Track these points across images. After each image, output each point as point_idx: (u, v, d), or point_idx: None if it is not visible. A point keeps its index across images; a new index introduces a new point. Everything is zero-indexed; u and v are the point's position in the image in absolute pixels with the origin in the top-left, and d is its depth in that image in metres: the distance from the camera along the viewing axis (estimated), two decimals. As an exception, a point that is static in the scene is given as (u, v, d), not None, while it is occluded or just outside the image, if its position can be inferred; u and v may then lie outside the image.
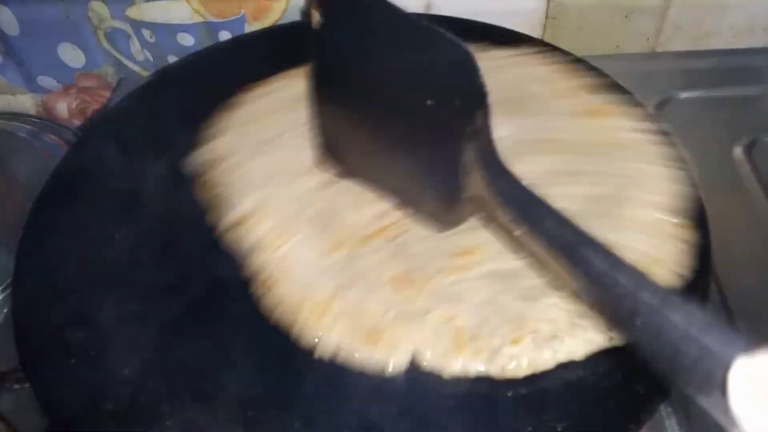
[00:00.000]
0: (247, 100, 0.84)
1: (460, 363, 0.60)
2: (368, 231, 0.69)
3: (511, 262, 0.66)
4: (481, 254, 0.68)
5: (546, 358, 0.60)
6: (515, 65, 0.85)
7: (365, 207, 0.71)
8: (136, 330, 0.65)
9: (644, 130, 0.76)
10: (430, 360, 0.60)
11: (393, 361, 0.60)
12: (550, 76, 0.82)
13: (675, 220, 0.69)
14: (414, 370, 0.59)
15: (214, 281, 0.68)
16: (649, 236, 0.67)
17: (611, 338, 0.60)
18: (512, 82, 0.81)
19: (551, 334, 0.61)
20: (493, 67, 0.73)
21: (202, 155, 0.79)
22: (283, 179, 0.74)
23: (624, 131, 0.76)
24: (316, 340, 0.61)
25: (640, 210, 0.69)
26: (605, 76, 0.81)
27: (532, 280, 0.64)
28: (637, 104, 0.78)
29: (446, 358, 0.60)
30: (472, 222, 0.68)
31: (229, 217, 0.72)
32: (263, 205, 0.72)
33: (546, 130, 0.76)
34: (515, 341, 0.60)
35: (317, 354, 0.60)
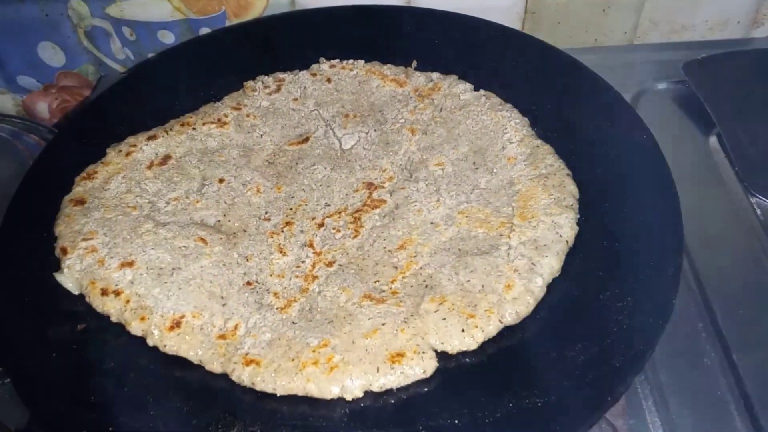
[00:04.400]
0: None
1: (481, 332, 0.62)
2: (303, 273, 0.68)
3: (442, 232, 0.71)
4: (415, 237, 0.71)
5: (540, 285, 0.65)
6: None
7: (278, 262, 0.70)
8: (118, 323, 0.65)
9: (472, 89, 0.86)
10: (456, 345, 0.61)
11: (424, 366, 0.60)
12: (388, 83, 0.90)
13: (537, 142, 0.78)
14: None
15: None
16: (529, 163, 0.76)
17: (568, 242, 0.68)
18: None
19: (529, 265, 0.66)
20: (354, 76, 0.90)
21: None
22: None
23: (457, 96, 0.86)
24: (339, 389, 0.59)
25: (506, 149, 0.78)
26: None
27: (473, 238, 0.70)
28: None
29: (467, 334, 0.61)
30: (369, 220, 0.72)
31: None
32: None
33: (401, 119, 0.85)
34: (508, 287, 0.64)
35: (350, 397, 0.59)
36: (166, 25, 1.07)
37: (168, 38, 1.09)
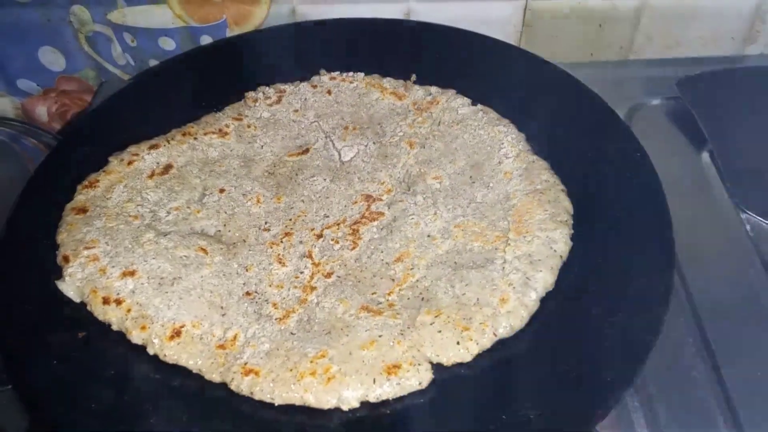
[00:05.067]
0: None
1: (475, 345, 0.63)
2: (301, 284, 0.70)
3: (439, 245, 0.72)
4: (412, 249, 0.72)
5: (534, 298, 0.66)
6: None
7: (278, 272, 0.71)
8: (119, 332, 0.66)
9: (469, 104, 0.88)
10: (450, 357, 0.63)
11: (419, 378, 0.61)
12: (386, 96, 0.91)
13: (533, 158, 0.80)
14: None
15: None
16: (524, 178, 0.77)
17: (562, 257, 0.70)
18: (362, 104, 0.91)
19: (524, 279, 0.67)
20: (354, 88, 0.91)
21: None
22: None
23: (455, 110, 0.87)
24: (336, 400, 0.60)
25: (502, 164, 0.80)
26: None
27: (469, 251, 0.71)
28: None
29: (462, 346, 0.63)
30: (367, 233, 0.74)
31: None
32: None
33: (400, 132, 0.86)
34: (503, 300, 0.66)
35: (346, 407, 0.60)
36: (167, 32, 1.08)
37: (169, 45, 1.10)
